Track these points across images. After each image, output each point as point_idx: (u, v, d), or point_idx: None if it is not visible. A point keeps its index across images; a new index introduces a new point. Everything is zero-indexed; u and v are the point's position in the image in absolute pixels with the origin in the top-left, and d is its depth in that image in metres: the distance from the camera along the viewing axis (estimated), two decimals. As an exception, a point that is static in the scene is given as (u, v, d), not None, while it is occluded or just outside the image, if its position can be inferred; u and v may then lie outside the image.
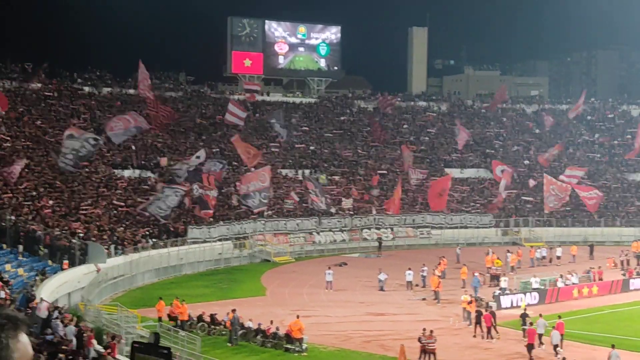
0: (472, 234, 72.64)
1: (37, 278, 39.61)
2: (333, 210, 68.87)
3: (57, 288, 40.12)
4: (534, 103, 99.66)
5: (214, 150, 72.37)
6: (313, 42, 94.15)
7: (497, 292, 45.61)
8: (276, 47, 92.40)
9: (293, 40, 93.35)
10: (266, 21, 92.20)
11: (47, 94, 71.69)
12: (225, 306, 39.82)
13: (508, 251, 58.74)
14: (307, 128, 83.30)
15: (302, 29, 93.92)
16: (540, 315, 37.23)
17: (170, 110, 67.17)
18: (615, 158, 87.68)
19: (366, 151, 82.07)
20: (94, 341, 27.36)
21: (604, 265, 55.70)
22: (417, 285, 50.15)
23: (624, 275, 53.96)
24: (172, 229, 57.50)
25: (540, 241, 69.60)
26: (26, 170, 55.15)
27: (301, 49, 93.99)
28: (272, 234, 64.23)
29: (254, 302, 44.77)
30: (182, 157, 69.83)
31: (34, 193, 53.52)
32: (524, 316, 37.03)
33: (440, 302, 45.31)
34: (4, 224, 45.60)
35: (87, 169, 59.80)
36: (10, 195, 51.17)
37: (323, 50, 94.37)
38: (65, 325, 27.75)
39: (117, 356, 26.68)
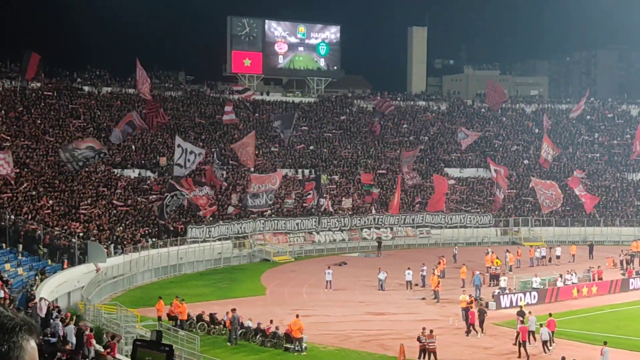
0: (472, 233, 72.69)
1: (36, 277, 39.63)
2: (332, 210, 68.88)
3: (56, 287, 40.16)
4: (533, 103, 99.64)
5: (213, 150, 72.28)
6: (313, 41, 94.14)
7: (497, 291, 45.67)
8: (276, 47, 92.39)
9: (293, 39, 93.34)
10: (266, 21, 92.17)
11: (46, 93, 71.68)
12: (224, 305, 39.84)
13: (507, 251, 58.79)
14: (306, 128, 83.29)
15: (301, 28, 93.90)
16: (530, 312, 37.71)
17: (163, 114, 67.43)
18: (614, 158, 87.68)
19: (366, 151, 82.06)
20: (94, 341, 27.39)
21: (603, 265, 55.75)
22: (416, 284, 50.19)
23: (623, 275, 54.03)
24: (171, 228, 57.52)
25: (540, 241, 69.65)
26: (25, 169, 55.18)
27: (301, 48, 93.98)
28: (272, 234, 64.26)
29: (253, 302, 44.79)
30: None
31: (34, 193, 53.54)
32: (521, 314, 37.16)
33: (439, 302, 45.35)
34: (3, 223, 45.62)
35: (86, 169, 59.81)
36: (10, 194, 51.19)
37: (323, 50, 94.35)
38: (66, 325, 27.76)
39: (117, 355, 26.69)
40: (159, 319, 38.04)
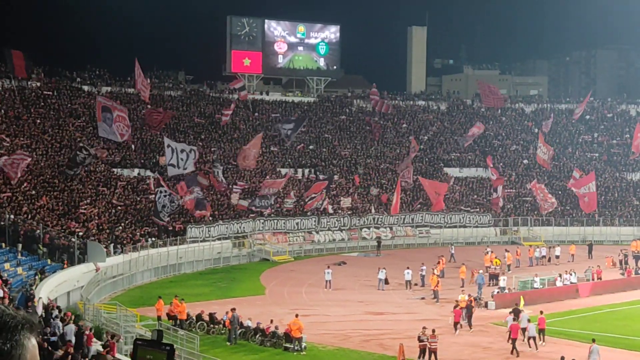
0: (471, 233, 72.72)
1: (36, 277, 39.64)
2: (331, 210, 68.94)
3: (56, 287, 40.17)
4: (533, 102, 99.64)
5: (213, 149, 72.32)
6: (312, 41, 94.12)
7: (496, 291, 45.71)
8: (275, 47, 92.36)
9: (292, 39, 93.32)
10: (265, 20, 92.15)
11: (46, 93, 71.69)
12: (224, 305, 39.86)
13: (506, 250, 58.81)
14: (306, 127, 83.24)
15: (301, 28, 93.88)
16: (522, 310, 38.17)
17: (165, 113, 67.62)
18: (614, 158, 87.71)
19: (365, 151, 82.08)
20: (94, 340, 27.40)
21: (602, 264, 55.79)
22: (416, 284, 50.24)
23: (622, 274, 54.07)
24: (170, 228, 57.53)
25: (539, 240, 69.67)
26: (25, 169, 55.18)
27: (300, 48, 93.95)
28: (272, 233, 64.27)
29: (253, 301, 44.80)
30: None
31: (33, 192, 53.55)
32: (515, 312, 37.36)
33: (439, 301, 45.36)
34: (3, 222, 45.64)
35: (86, 169, 59.85)
36: (10, 194, 51.20)
37: (322, 49, 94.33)
38: (66, 324, 27.79)
39: (117, 355, 26.71)
40: (159, 318, 38.06)
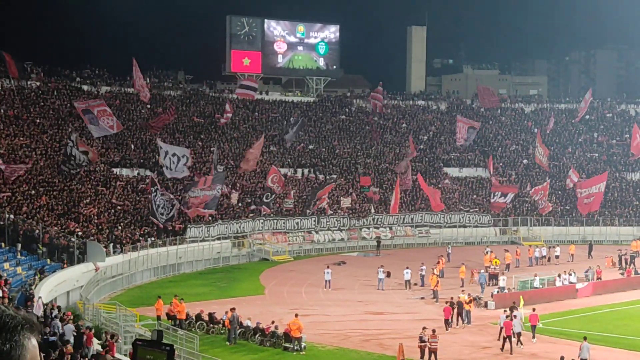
0: (471, 233, 72.73)
1: (35, 277, 39.63)
2: (330, 211, 68.93)
3: (55, 287, 40.17)
4: (532, 102, 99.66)
5: (212, 149, 72.26)
6: (312, 41, 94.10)
7: (496, 290, 45.72)
8: (275, 46, 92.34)
9: (292, 39, 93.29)
10: (265, 20, 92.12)
11: (45, 93, 71.64)
12: (223, 305, 39.84)
13: (506, 250, 58.81)
14: (305, 127, 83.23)
15: (301, 28, 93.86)
16: (514, 303, 38.47)
17: (167, 116, 67.74)
18: (613, 157, 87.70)
19: (365, 150, 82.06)
20: (94, 340, 27.38)
21: (602, 264, 55.81)
22: (415, 284, 50.24)
23: (622, 274, 54.06)
24: (170, 227, 57.51)
25: (539, 240, 69.66)
26: (22, 175, 55.13)
27: (300, 48, 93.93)
28: (271, 233, 64.26)
29: (252, 301, 44.80)
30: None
31: (33, 192, 53.54)
32: (512, 309, 37.56)
33: (438, 301, 45.33)
34: (2, 222, 45.63)
35: (85, 169, 59.84)
36: (9, 193, 51.19)
37: (322, 49, 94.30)
38: (65, 324, 27.77)
39: (116, 355, 26.69)
40: (158, 318, 38.04)
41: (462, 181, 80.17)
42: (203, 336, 35.53)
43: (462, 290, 43.58)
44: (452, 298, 41.01)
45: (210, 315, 37.83)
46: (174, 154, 60.81)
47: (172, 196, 56.31)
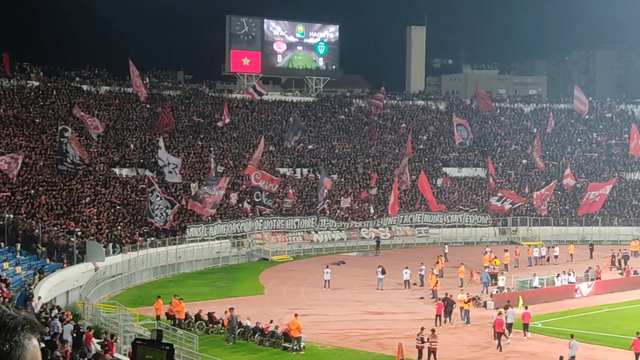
0: (470, 233, 72.74)
1: (35, 276, 39.65)
2: (327, 212, 68.95)
3: (55, 286, 40.19)
4: (532, 102, 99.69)
5: (212, 149, 72.25)
6: (311, 41, 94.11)
7: (495, 290, 45.75)
8: (274, 46, 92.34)
9: (291, 39, 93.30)
10: (265, 20, 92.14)
11: (45, 93, 71.68)
12: (223, 305, 39.85)
13: (505, 250, 58.82)
14: (305, 127, 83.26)
15: (300, 27, 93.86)
16: (509, 302, 39.00)
17: (167, 119, 67.94)
18: (613, 157, 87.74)
19: (364, 150, 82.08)
20: (94, 340, 27.39)
21: (601, 264, 55.85)
22: (415, 284, 50.26)
23: (621, 274, 54.09)
24: (168, 228, 57.48)
25: (538, 240, 69.68)
26: (24, 168, 55.18)
27: (299, 47, 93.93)
28: (270, 233, 64.27)
29: (251, 301, 44.80)
30: (177, 155, 69.95)
31: (32, 191, 53.56)
32: (505, 307, 37.89)
33: (438, 301, 45.35)
34: (1, 222, 45.67)
35: (80, 168, 59.87)
36: (9, 193, 51.20)
37: (321, 49, 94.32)
38: (65, 324, 27.79)
39: (116, 354, 26.71)
40: (158, 318, 38.05)
41: (462, 181, 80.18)
42: (202, 336, 35.55)
43: (461, 290, 43.61)
44: (447, 294, 41.31)
45: (210, 315, 37.83)
46: (169, 163, 61.56)
47: (169, 199, 55.98)
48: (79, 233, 49.34)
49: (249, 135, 77.90)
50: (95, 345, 27.40)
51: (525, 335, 36.88)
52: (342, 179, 75.70)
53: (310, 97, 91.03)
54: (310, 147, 79.82)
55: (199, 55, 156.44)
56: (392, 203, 68.40)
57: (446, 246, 64.21)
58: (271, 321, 36.08)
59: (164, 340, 4.80)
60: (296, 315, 35.47)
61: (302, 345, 34.05)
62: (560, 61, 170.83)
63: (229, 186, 65.89)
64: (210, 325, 37.35)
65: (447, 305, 39.91)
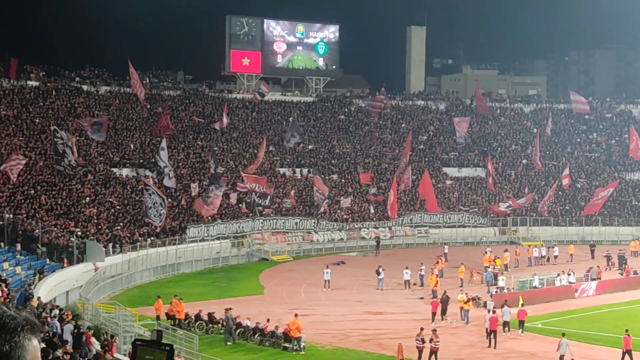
0: (470, 233, 72.71)
1: (35, 277, 39.64)
2: (328, 213, 68.94)
3: (55, 287, 40.18)
4: (532, 102, 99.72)
5: (211, 150, 72.29)
6: (311, 41, 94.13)
7: (495, 290, 45.76)
8: (274, 46, 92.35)
9: (291, 39, 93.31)
10: (265, 20, 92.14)
11: (45, 93, 71.68)
12: (223, 305, 39.82)
13: (505, 250, 58.82)
14: (305, 127, 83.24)
15: (300, 27, 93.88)
16: (506, 301, 39.07)
17: (167, 123, 67.92)
18: (612, 157, 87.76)
19: (364, 150, 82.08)
20: (93, 340, 27.38)
21: (602, 264, 55.87)
22: (415, 284, 50.26)
23: (621, 274, 54.10)
24: (168, 227, 57.48)
25: (538, 240, 69.67)
26: (24, 168, 55.15)
27: (299, 47, 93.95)
28: (270, 233, 64.26)
29: (251, 301, 44.81)
30: (177, 155, 69.97)
31: (32, 191, 53.56)
32: (502, 305, 38.19)
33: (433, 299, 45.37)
34: (1, 222, 45.67)
35: (84, 168, 59.91)
36: (8, 193, 51.20)
37: (321, 49, 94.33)
38: (65, 324, 27.78)
39: (116, 355, 26.71)
40: (158, 318, 38.05)
41: (462, 181, 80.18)
42: (202, 336, 35.55)
43: (461, 290, 43.62)
44: (444, 292, 41.49)
45: (210, 315, 37.83)
46: (167, 165, 61.72)
47: (162, 197, 55.67)
48: (79, 233, 49.34)
49: (249, 136, 77.91)
50: (95, 345, 27.38)
51: (521, 333, 37.36)
52: (342, 179, 75.70)
53: (310, 97, 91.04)
54: (310, 147, 79.82)
55: (199, 55, 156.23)
56: (392, 204, 68.37)
57: (446, 246, 64.22)
58: (268, 320, 36.08)
59: (164, 341, 4.80)
60: (296, 315, 35.47)
61: (302, 346, 34.06)
62: (560, 61, 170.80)
63: (229, 186, 65.95)
64: (210, 325, 37.35)
65: (442, 302, 40.33)
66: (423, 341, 32.36)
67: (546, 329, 38.69)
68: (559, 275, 49.03)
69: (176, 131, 73.23)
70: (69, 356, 22.07)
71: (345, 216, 69.70)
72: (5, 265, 40.45)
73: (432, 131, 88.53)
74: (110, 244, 50.48)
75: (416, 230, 71.20)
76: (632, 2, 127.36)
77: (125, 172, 64.84)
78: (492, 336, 35.55)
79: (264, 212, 64.98)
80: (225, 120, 74.82)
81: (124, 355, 27.89)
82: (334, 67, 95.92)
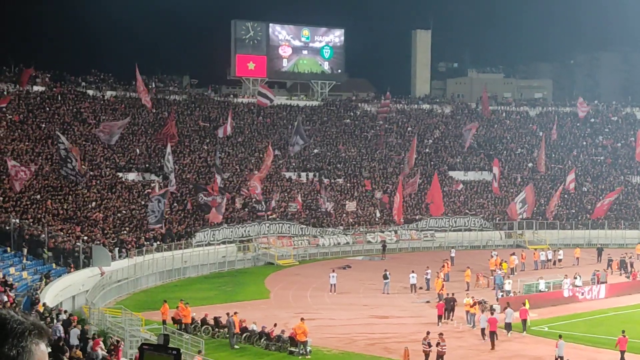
0: (476, 236, 72.59)
1: (41, 281, 39.69)
2: (333, 216, 68.96)
3: (61, 291, 40.25)
4: (537, 105, 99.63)
5: (216, 155, 72.34)
6: (317, 45, 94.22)
7: (501, 294, 45.72)
8: (280, 50, 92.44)
9: (297, 43, 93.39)
10: (270, 24, 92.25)
11: (50, 98, 71.83)
12: (229, 309, 39.85)
13: (512, 254, 58.75)
14: (310, 131, 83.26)
15: (305, 32, 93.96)
16: (508, 304, 39.37)
17: (172, 129, 67.88)
18: (618, 160, 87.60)
19: (370, 154, 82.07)
20: (101, 344, 27.41)
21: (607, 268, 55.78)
22: (421, 288, 50.23)
23: (627, 278, 53.98)
24: (174, 231, 57.55)
25: (544, 244, 69.56)
26: (26, 181, 55.22)
27: (305, 52, 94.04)
28: (276, 237, 64.27)
29: (257, 305, 44.84)
30: (182, 159, 70.04)
31: (38, 196, 53.66)
32: (505, 308, 38.38)
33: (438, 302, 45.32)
34: (8, 227, 45.74)
35: (91, 173, 60.03)
36: (15, 198, 51.28)
37: (327, 53, 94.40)
38: (72, 328, 27.83)
39: (122, 359, 26.75)
40: (164, 322, 38.08)
41: (467, 185, 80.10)
42: (208, 340, 35.58)
43: (467, 294, 43.61)
44: (448, 294, 41.61)
45: (216, 319, 37.86)
46: (172, 172, 61.84)
47: (164, 201, 55.61)
48: (85, 238, 49.42)
49: (254, 140, 77.96)
50: (102, 350, 27.42)
51: (524, 332, 37.87)
52: (348, 183, 75.68)
53: (315, 101, 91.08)
54: (315, 151, 79.84)
55: (204, 59, 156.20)
56: (397, 208, 68.31)
57: (453, 250, 64.13)
58: (275, 325, 36.11)
59: (170, 345, 4.83)
60: (302, 319, 35.47)
61: (308, 350, 34.08)
62: (566, 64, 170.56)
63: (234, 192, 65.99)
64: (216, 329, 37.38)
65: (447, 303, 40.38)
66: (429, 345, 32.36)
67: (552, 332, 38.61)
68: (566, 276, 49.00)
69: (182, 135, 73.30)
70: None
71: (351, 220, 69.69)
72: (12, 270, 40.53)
73: (438, 135, 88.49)
74: (117, 249, 50.56)
75: (422, 234, 71.12)
76: (638, 5, 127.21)
77: (131, 176, 64.92)
78: (491, 338, 35.72)
79: (270, 217, 65.02)
80: (228, 128, 74.46)
81: (130, 359, 27.93)
82: (339, 71, 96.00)
